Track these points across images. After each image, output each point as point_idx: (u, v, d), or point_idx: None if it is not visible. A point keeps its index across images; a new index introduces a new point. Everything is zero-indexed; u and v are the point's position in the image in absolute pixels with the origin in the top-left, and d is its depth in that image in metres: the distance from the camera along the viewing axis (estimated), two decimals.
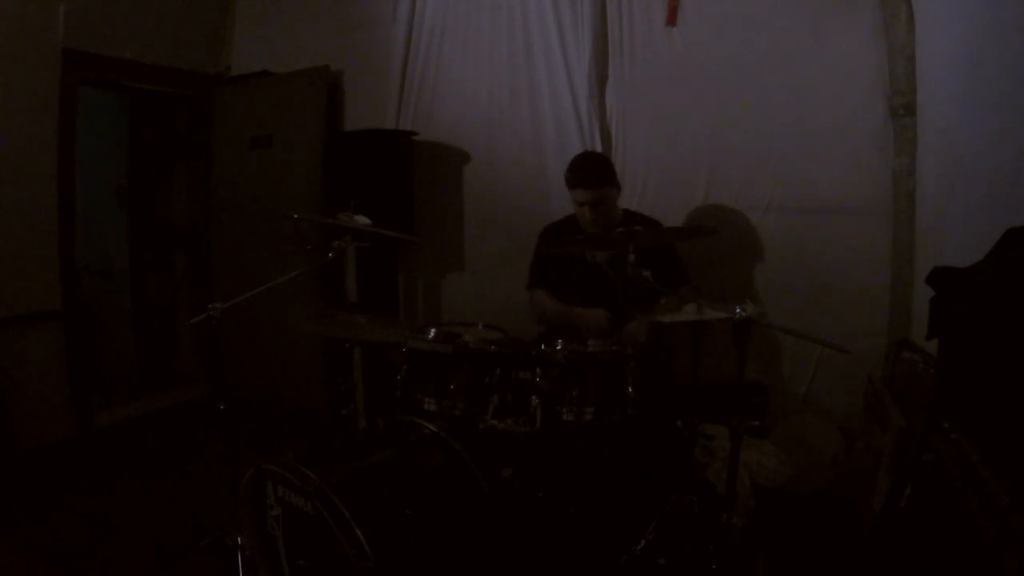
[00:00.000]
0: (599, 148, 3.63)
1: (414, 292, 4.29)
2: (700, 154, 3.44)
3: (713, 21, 3.37)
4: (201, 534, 2.59)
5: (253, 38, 4.69)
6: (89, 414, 4.04)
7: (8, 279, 3.56)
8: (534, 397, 2.28)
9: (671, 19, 3.44)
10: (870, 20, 3.07)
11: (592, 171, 2.99)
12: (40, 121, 3.72)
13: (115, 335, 4.87)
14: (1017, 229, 2.30)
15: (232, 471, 2.18)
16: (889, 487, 2.44)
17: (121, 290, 4.95)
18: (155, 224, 4.94)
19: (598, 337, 2.51)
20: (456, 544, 2.05)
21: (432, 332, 2.44)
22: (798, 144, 3.24)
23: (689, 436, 2.69)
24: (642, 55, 3.54)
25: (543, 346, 2.36)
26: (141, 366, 4.92)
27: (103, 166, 4.81)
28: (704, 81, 3.41)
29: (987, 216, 2.57)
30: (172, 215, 4.93)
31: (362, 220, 2.78)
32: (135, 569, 2.63)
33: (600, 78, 3.63)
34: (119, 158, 4.89)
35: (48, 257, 3.79)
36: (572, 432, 2.33)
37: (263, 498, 2.00)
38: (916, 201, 3.04)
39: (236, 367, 4.25)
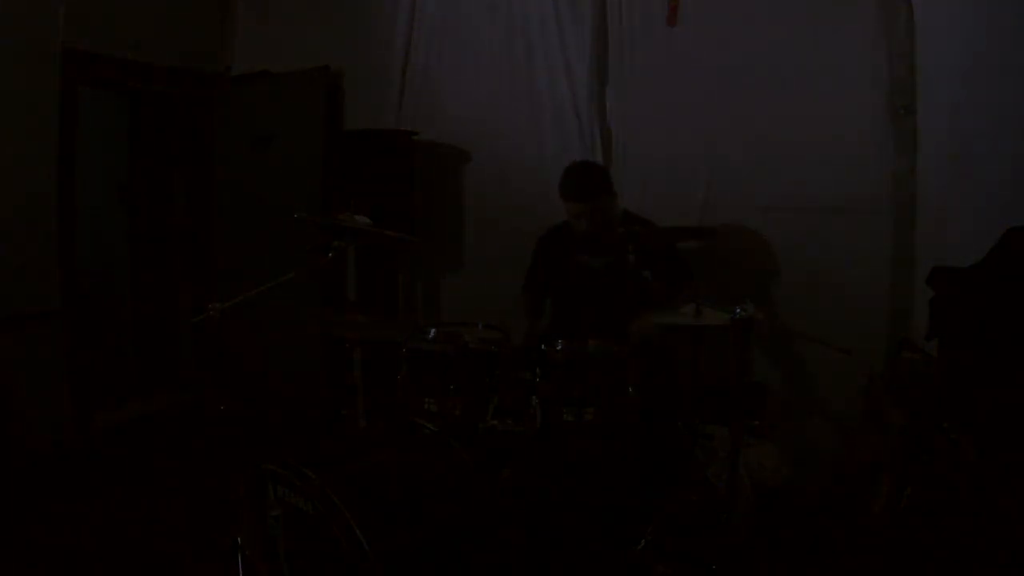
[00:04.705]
0: (599, 148, 3.63)
1: (414, 292, 4.28)
2: (700, 154, 3.44)
3: (713, 21, 3.36)
4: (201, 535, 2.59)
5: (253, 38, 4.69)
6: (89, 414, 4.03)
7: (8, 279, 3.55)
8: (534, 397, 2.28)
9: (671, 19, 3.44)
10: (870, 20, 3.07)
11: (584, 184, 2.95)
12: (40, 121, 3.71)
13: (115, 335, 4.86)
14: (1017, 229, 2.30)
15: (232, 471, 2.18)
16: (889, 487, 2.44)
17: (121, 290, 4.94)
18: (155, 224, 4.94)
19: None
20: (456, 544, 2.05)
21: (432, 332, 2.44)
22: (798, 144, 3.24)
23: (689, 436, 2.69)
24: (642, 55, 3.54)
25: (543, 346, 2.36)
26: (141, 366, 4.91)
27: (103, 166, 4.80)
28: (704, 81, 3.40)
29: (987, 216, 2.57)
30: (172, 215, 4.92)
31: (362, 220, 2.78)
32: (135, 570, 2.63)
33: (600, 78, 3.63)
34: (119, 158, 4.88)
35: (48, 257, 3.78)
36: (572, 432, 2.33)
37: (263, 498, 2.00)
38: (916, 201, 3.04)
39: (236, 367, 4.25)
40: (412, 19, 4.05)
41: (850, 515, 2.70)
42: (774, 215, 3.32)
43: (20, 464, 3.42)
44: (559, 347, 2.34)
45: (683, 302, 2.49)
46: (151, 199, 4.92)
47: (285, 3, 4.58)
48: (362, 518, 1.79)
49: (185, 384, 4.76)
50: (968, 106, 2.80)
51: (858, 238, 3.17)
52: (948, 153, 2.88)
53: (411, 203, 4.07)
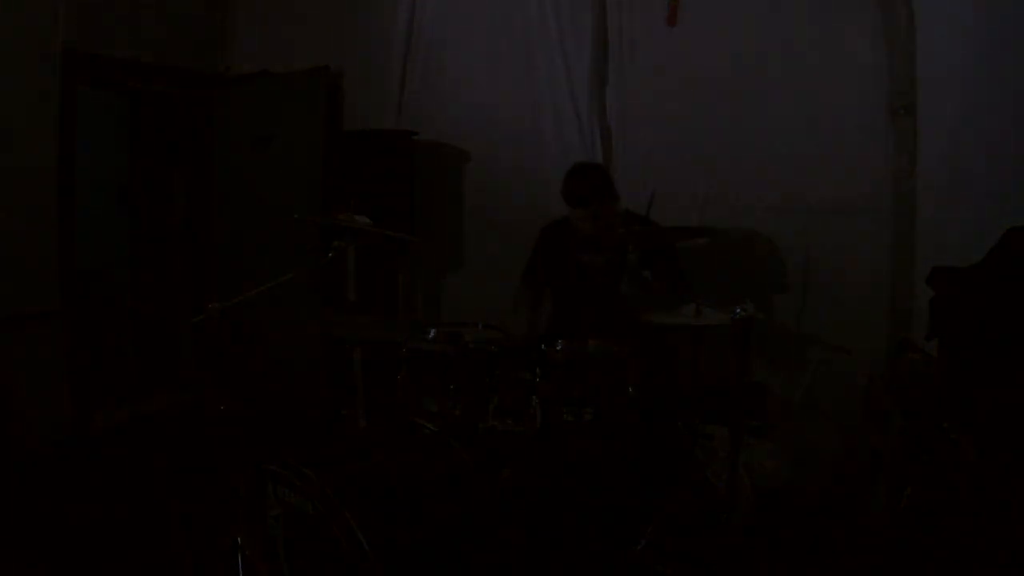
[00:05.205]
0: (599, 148, 3.63)
1: (414, 292, 4.28)
2: (700, 154, 3.44)
3: (713, 21, 3.37)
4: (201, 535, 2.59)
5: (253, 38, 4.69)
6: (89, 414, 4.03)
7: (8, 279, 3.55)
8: (534, 397, 2.28)
9: (671, 19, 3.44)
10: (870, 20, 3.07)
11: (588, 189, 2.94)
12: (40, 121, 3.71)
13: (115, 335, 4.86)
14: (1017, 229, 2.31)
15: (232, 471, 2.18)
16: (889, 488, 2.44)
17: (121, 290, 4.94)
18: (155, 224, 4.94)
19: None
20: (456, 544, 2.05)
21: (432, 332, 2.44)
22: (798, 144, 3.24)
23: (689, 436, 2.69)
24: (642, 55, 3.54)
25: (543, 346, 2.36)
26: (141, 366, 4.91)
27: (103, 166, 4.80)
28: (704, 81, 3.40)
29: (987, 216, 2.57)
30: (172, 215, 4.92)
31: (362, 220, 2.78)
32: (135, 570, 2.63)
33: (600, 78, 3.63)
34: (119, 158, 4.89)
35: (48, 257, 3.78)
36: (572, 432, 2.33)
37: (263, 498, 2.00)
38: (916, 201, 3.04)
39: (236, 367, 4.24)
40: (412, 19, 4.05)
41: (850, 515, 2.70)
42: (774, 215, 3.33)
43: (20, 464, 3.42)
44: (559, 347, 2.34)
45: (683, 302, 2.49)
46: (151, 199, 4.92)
47: (285, 3, 4.58)
48: (362, 518, 1.79)
49: (185, 384, 4.76)
50: (968, 106, 2.80)
51: (858, 238, 3.18)
52: (948, 153, 2.88)
53: (411, 203, 4.07)
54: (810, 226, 3.26)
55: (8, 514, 2.99)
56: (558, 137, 3.73)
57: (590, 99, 3.63)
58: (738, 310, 2.12)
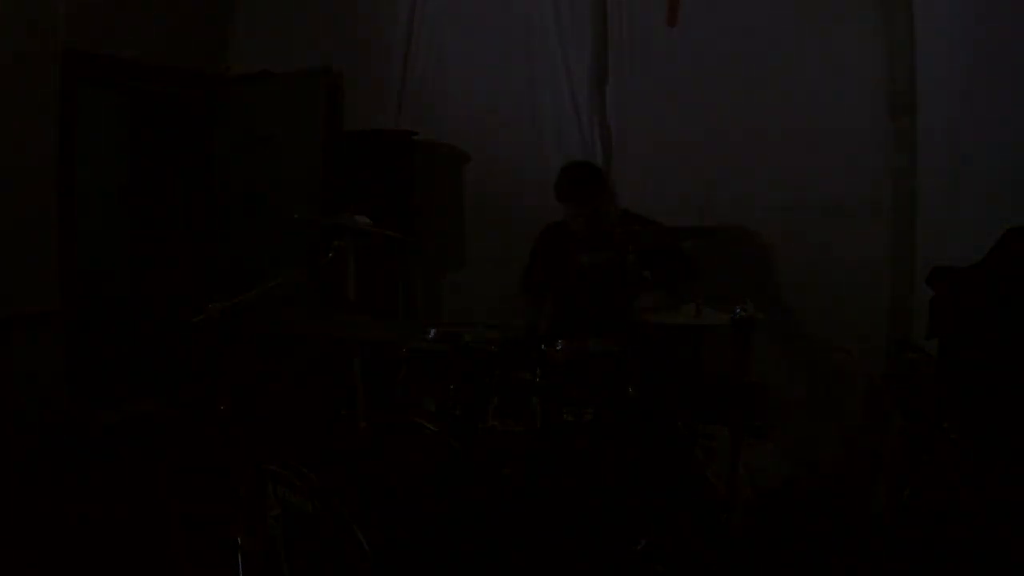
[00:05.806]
0: (599, 147, 3.63)
1: (414, 292, 4.29)
2: (700, 154, 3.44)
3: (713, 21, 3.37)
4: (201, 535, 2.59)
5: (253, 38, 4.69)
6: (88, 414, 4.03)
7: (8, 279, 3.55)
8: (534, 397, 2.28)
9: (671, 19, 3.44)
10: (870, 20, 3.07)
11: (579, 186, 2.96)
12: (40, 121, 3.72)
13: (115, 335, 4.86)
14: (1017, 229, 2.31)
15: (232, 471, 2.18)
16: (889, 488, 2.44)
17: (121, 290, 4.94)
18: (155, 224, 4.94)
19: None
20: (456, 544, 2.05)
21: (432, 332, 2.44)
22: (798, 144, 3.24)
23: (689, 436, 2.69)
24: (642, 55, 3.54)
25: (543, 346, 2.36)
26: (141, 366, 4.91)
27: (103, 166, 4.80)
28: (704, 81, 3.40)
29: (987, 216, 2.57)
30: (172, 215, 4.92)
31: (362, 220, 2.77)
32: (135, 570, 2.63)
33: (600, 78, 3.63)
34: (119, 158, 4.89)
35: (48, 257, 3.79)
36: (572, 432, 2.33)
37: (263, 498, 2.00)
38: (916, 201, 3.04)
39: (236, 367, 4.23)
40: (412, 19, 4.06)
41: (850, 515, 2.70)
42: (774, 215, 3.33)
43: (20, 464, 3.42)
44: (559, 347, 2.34)
45: (683, 302, 2.49)
46: (151, 199, 4.93)
47: (285, 3, 4.58)
48: (362, 518, 1.79)
49: (185, 384, 4.76)
50: (967, 106, 2.81)
51: (858, 238, 3.18)
52: (948, 153, 2.88)
53: (411, 203, 4.07)
54: (810, 226, 3.26)
55: (8, 514, 2.99)
56: (558, 137, 3.73)
57: (590, 99, 3.63)
58: (738, 310, 2.12)
